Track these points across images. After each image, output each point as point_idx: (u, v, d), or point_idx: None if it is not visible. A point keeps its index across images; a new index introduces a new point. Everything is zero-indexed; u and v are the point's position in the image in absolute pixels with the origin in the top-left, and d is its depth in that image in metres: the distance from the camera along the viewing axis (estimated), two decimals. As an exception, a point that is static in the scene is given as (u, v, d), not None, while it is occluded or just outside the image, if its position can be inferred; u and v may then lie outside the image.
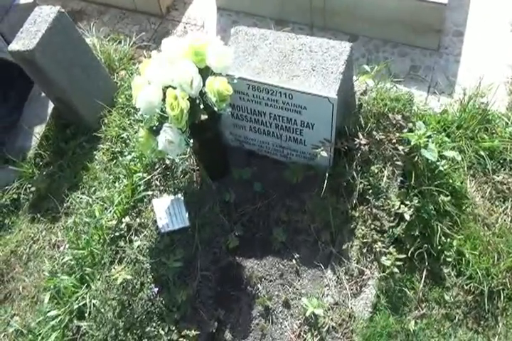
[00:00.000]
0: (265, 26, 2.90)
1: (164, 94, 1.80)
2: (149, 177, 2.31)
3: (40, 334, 2.13)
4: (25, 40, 2.31)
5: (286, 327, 1.96)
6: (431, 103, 2.59)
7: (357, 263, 2.00)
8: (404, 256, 2.00)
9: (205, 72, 1.84)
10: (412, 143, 2.05)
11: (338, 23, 2.87)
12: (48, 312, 2.15)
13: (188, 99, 1.78)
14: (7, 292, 2.41)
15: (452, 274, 2.05)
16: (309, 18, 2.92)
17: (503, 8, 2.86)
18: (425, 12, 2.59)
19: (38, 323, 2.18)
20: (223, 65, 1.84)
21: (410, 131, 2.12)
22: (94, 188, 2.46)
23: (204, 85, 1.81)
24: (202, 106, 1.83)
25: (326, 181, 2.01)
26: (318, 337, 1.90)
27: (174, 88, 1.80)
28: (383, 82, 2.26)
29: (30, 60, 2.31)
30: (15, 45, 2.30)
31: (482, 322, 1.99)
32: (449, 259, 2.05)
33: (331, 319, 1.91)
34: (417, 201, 2.04)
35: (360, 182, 2.07)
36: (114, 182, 2.39)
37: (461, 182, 2.19)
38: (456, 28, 2.83)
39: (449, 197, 2.09)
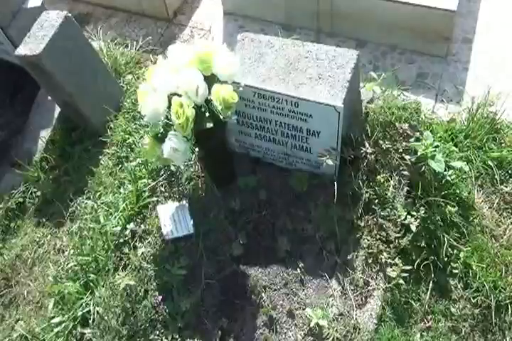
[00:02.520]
0: (272, 31, 2.89)
1: (170, 101, 1.79)
2: (154, 183, 2.30)
3: (44, 340, 2.14)
4: (32, 44, 2.31)
5: (290, 337, 1.95)
6: (438, 111, 2.55)
7: (362, 274, 1.98)
8: (410, 267, 1.98)
9: (211, 80, 1.82)
10: (419, 153, 2.03)
11: (346, 29, 2.85)
12: (52, 318, 2.15)
13: (193, 107, 1.77)
14: (12, 296, 2.41)
15: (459, 286, 2.02)
16: (316, 24, 2.90)
17: (513, 15, 2.83)
18: (434, 19, 2.56)
19: (42, 329, 2.18)
20: (230, 73, 1.82)
21: (417, 140, 2.10)
22: (99, 193, 2.46)
23: (209, 93, 1.80)
24: (207, 114, 1.82)
25: (332, 190, 1.99)
26: (323, 348, 1.88)
27: (179, 96, 1.79)
28: (390, 89, 2.24)
29: (37, 64, 2.31)
30: (22, 50, 2.31)
31: (489, 336, 1.97)
32: (455, 271, 2.02)
33: (336, 330, 1.89)
34: (423, 211, 2.02)
35: (366, 192, 2.05)
36: (119, 188, 2.39)
37: (469, 193, 2.17)
38: (465, 35, 2.80)
39: (456, 208, 2.07)
